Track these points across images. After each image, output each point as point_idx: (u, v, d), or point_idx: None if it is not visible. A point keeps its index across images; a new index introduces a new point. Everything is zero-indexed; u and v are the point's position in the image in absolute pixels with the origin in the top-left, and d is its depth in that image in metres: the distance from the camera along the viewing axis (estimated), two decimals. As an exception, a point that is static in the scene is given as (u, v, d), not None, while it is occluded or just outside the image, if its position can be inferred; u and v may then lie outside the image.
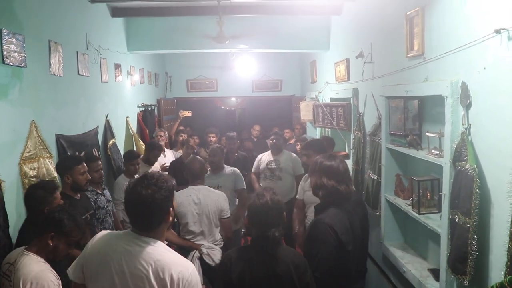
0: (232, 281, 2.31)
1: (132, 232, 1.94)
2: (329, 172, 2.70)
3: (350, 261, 2.61)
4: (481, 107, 2.39)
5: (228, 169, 4.83)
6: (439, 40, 2.90)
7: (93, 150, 4.57)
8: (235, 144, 6.82)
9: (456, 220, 2.48)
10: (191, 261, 3.53)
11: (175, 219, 3.68)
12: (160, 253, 1.88)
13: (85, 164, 3.47)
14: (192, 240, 3.69)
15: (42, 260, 2.40)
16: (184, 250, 3.68)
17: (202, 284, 3.54)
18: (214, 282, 2.54)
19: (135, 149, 5.95)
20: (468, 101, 2.48)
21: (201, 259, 3.59)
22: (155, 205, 1.87)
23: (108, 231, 2.08)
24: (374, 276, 4.10)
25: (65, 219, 2.47)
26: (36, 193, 2.86)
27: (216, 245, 3.72)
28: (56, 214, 2.49)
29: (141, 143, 6.20)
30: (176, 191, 2.75)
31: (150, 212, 1.89)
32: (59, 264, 2.53)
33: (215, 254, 3.61)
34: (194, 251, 3.62)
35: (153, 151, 5.45)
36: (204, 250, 3.60)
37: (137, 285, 1.83)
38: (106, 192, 4.16)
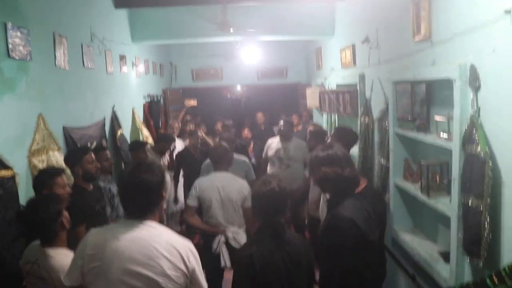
0: (256, 276, 2.29)
1: (128, 219, 1.99)
2: (328, 161, 2.53)
3: (373, 252, 2.51)
4: (491, 90, 2.36)
5: (239, 158, 4.83)
6: (446, 23, 2.86)
7: (102, 141, 4.58)
8: (231, 132, 6.81)
9: (469, 203, 2.46)
10: (217, 246, 3.62)
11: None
12: (166, 233, 1.99)
13: (92, 154, 3.49)
14: (216, 226, 3.70)
15: (67, 250, 2.40)
16: (208, 235, 3.73)
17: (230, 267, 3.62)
18: (235, 275, 2.47)
19: (141, 139, 5.97)
20: (478, 84, 2.45)
21: (226, 244, 3.62)
22: (153, 188, 1.98)
23: (99, 228, 2.07)
24: (384, 261, 4.11)
25: (51, 209, 2.41)
26: (37, 177, 2.91)
27: (240, 228, 3.73)
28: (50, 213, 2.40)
29: (146, 133, 6.22)
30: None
31: (149, 195, 1.99)
32: None
33: (241, 238, 3.63)
34: (220, 236, 3.65)
35: (160, 142, 5.54)
36: (230, 235, 3.63)
37: (153, 267, 1.87)
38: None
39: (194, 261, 2.00)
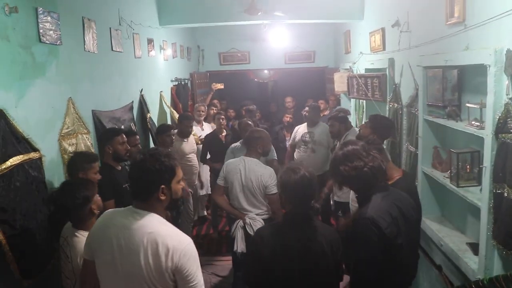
0: (264, 259, 2.27)
1: (131, 207, 1.99)
2: (345, 159, 2.37)
3: (401, 254, 2.32)
4: (527, 76, 2.27)
5: None
6: (482, 5, 2.75)
7: (131, 124, 4.64)
8: (255, 117, 6.77)
9: (505, 194, 2.39)
10: (234, 229, 3.68)
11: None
12: (154, 225, 1.91)
13: (124, 135, 3.59)
14: (238, 209, 3.76)
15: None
16: (231, 218, 3.84)
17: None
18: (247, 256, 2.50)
19: (170, 123, 6.02)
20: (513, 70, 2.36)
21: (244, 228, 3.67)
22: (145, 173, 1.92)
23: (113, 210, 2.14)
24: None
25: (82, 191, 2.50)
26: (73, 159, 3.05)
27: (259, 215, 3.73)
28: (80, 192, 2.49)
29: (176, 115, 6.24)
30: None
31: (139, 179, 1.96)
32: None
33: (256, 225, 3.64)
34: (239, 220, 3.71)
35: (182, 122, 5.52)
36: (247, 220, 3.66)
37: (133, 258, 1.87)
38: None
39: (182, 262, 1.86)
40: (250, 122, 5.16)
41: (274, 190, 3.70)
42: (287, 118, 7.60)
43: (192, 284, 1.88)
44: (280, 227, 2.41)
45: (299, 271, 2.29)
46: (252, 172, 3.71)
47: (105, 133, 3.65)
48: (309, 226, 2.36)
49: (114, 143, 3.49)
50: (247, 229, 3.63)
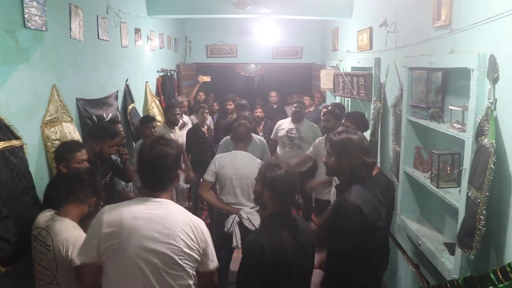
0: (267, 265, 2.17)
1: (142, 197, 2.04)
2: (361, 145, 2.47)
3: (381, 237, 2.51)
4: (509, 82, 2.31)
5: (255, 137, 4.82)
6: (468, 10, 2.79)
7: (117, 114, 4.60)
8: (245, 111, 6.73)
9: (469, 194, 2.47)
10: (230, 225, 3.62)
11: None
12: (180, 211, 2.05)
13: (116, 140, 3.56)
14: (231, 204, 3.71)
15: (77, 225, 2.47)
16: (220, 213, 3.77)
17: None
18: (244, 265, 2.30)
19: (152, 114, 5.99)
20: (496, 75, 2.40)
21: (240, 224, 3.62)
22: (168, 163, 2.00)
23: (113, 204, 2.08)
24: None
25: (90, 176, 2.57)
26: (58, 149, 3.05)
27: (254, 209, 3.70)
28: (82, 174, 2.58)
29: (156, 109, 6.20)
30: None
31: (163, 169, 2.01)
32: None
33: (255, 219, 3.61)
34: (234, 215, 3.64)
35: (169, 110, 5.51)
36: (244, 215, 3.62)
37: (171, 244, 1.94)
38: None
39: (207, 237, 2.07)
40: (249, 117, 5.14)
41: None
42: (257, 112, 7.40)
43: (212, 257, 2.11)
44: (273, 231, 2.27)
45: (296, 274, 2.27)
46: (248, 166, 3.70)
47: (98, 129, 3.54)
48: (295, 225, 2.33)
49: (104, 144, 3.44)
50: (246, 223, 3.59)
